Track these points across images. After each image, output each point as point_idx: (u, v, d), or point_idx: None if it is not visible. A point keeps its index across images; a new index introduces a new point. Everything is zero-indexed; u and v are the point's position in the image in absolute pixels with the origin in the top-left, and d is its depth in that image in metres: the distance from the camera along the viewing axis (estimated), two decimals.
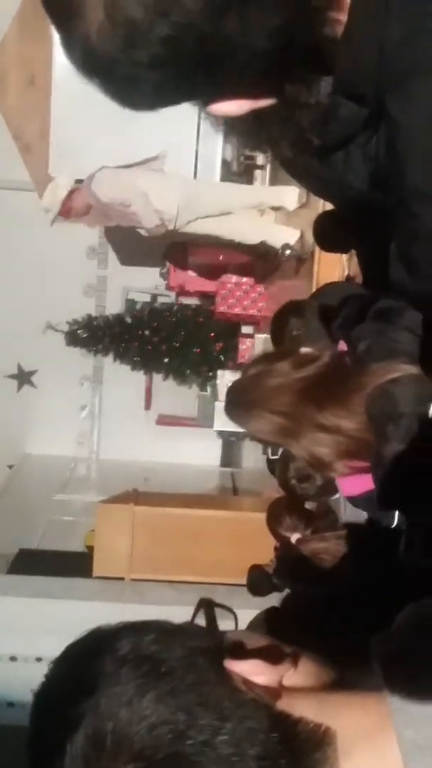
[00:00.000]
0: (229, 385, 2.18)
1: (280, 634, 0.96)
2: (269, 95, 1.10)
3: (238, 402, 2.04)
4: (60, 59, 6.64)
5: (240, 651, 0.89)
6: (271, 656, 0.89)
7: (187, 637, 0.90)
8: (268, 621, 2.44)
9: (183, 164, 6.68)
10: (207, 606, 0.95)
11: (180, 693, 0.83)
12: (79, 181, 6.55)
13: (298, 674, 0.89)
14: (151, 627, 0.89)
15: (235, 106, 1.09)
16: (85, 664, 0.87)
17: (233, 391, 2.09)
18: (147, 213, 6.07)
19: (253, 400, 1.96)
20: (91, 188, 6.12)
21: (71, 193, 6.30)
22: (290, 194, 6.10)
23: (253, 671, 0.87)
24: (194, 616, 0.95)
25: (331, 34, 1.03)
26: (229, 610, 0.97)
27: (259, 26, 0.97)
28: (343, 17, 1.03)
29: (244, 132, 1.24)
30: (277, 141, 1.21)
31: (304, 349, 2.00)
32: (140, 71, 0.99)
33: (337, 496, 2.84)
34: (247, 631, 1.19)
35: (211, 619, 0.94)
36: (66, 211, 6.28)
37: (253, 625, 2.25)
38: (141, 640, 0.87)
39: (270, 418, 1.92)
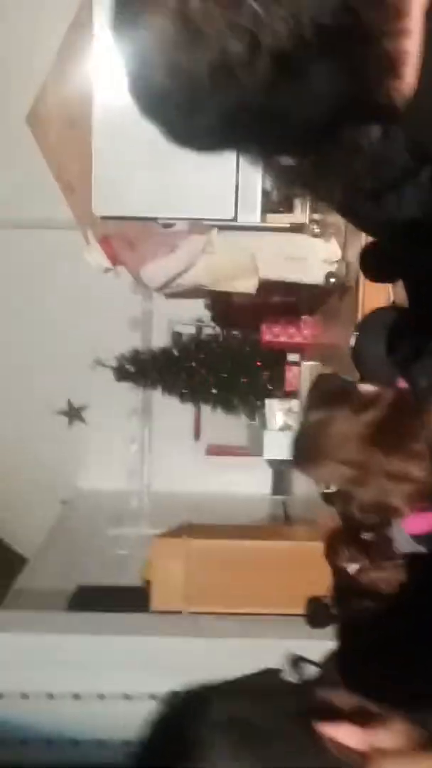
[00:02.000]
0: (294, 434, 2.16)
1: (357, 683, 0.96)
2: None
3: (304, 452, 2.02)
4: (100, 99, 6.76)
5: (330, 712, 0.89)
6: (360, 717, 0.89)
7: (278, 698, 0.90)
8: (339, 668, 2.43)
9: (224, 197, 6.73)
10: (294, 662, 0.95)
11: (273, 760, 0.83)
12: (117, 218, 6.64)
13: (389, 733, 0.89)
14: (240, 689, 0.90)
15: None
16: (178, 730, 0.87)
17: (298, 440, 2.07)
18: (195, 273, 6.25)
19: (319, 450, 1.93)
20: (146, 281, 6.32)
21: (106, 241, 6.40)
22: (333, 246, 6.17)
23: (345, 735, 0.87)
24: (282, 672, 0.95)
25: (387, 102, 1.05)
26: (316, 664, 0.97)
27: (311, 102, 1.00)
28: (402, 85, 1.04)
29: (293, 179, 1.26)
30: (328, 186, 1.23)
31: (362, 387, 1.97)
32: (196, 133, 1.03)
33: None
34: (334, 688, 1.20)
35: (300, 676, 0.94)
36: (113, 258, 6.38)
37: (325, 669, 2.23)
38: (233, 705, 0.87)
39: (337, 468, 1.89)
